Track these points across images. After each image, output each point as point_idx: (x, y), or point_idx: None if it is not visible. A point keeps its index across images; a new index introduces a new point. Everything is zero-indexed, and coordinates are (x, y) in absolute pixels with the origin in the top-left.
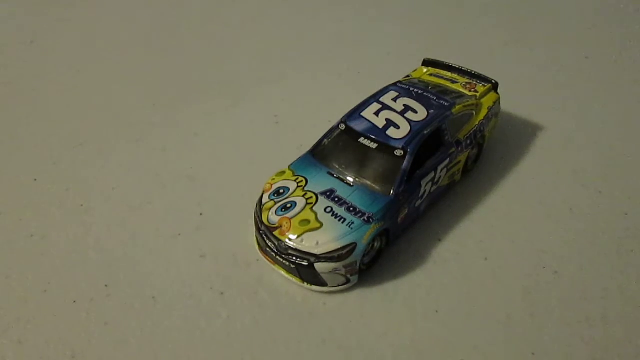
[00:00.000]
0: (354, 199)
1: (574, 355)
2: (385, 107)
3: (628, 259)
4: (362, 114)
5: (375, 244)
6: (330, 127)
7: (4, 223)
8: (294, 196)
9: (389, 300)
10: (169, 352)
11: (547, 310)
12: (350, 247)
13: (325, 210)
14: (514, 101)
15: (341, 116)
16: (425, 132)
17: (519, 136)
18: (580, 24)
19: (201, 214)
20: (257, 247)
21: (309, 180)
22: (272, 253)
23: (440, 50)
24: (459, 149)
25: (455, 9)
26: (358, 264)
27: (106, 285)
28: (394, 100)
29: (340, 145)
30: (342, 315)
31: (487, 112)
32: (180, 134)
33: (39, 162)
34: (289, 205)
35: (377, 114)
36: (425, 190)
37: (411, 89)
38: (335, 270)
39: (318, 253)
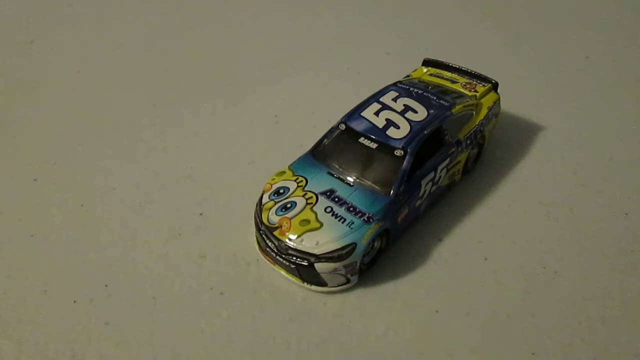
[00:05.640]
0: (354, 199)
1: (574, 355)
2: (385, 107)
3: (628, 259)
4: (362, 114)
5: (375, 244)
6: (330, 127)
7: (4, 223)
8: (294, 196)
9: (389, 300)
10: (169, 352)
11: (547, 310)
12: (350, 247)
13: (325, 210)
14: (514, 101)
15: (341, 116)
16: (425, 132)
17: (519, 136)
18: (580, 24)
19: (201, 214)
20: (257, 247)
21: (309, 180)
22: (272, 253)
23: (440, 50)
24: (459, 149)
25: (456, 9)
26: (358, 264)
27: (106, 285)
28: (394, 100)
29: (340, 145)
30: (342, 315)
31: (487, 112)
32: (180, 134)
33: (39, 162)
34: (289, 205)
35: (377, 114)
36: (425, 190)
37: (411, 89)
38: (335, 270)
39: (318, 253)
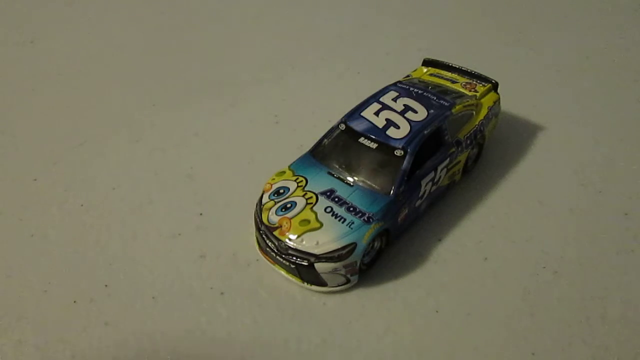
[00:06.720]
0: (354, 199)
1: (574, 355)
2: (385, 107)
3: (628, 259)
4: (362, 113)
5: (375, 244)
6: (330, 127)
7: (4, 223)
8: (294, 196)
9: (389, 300)
10: (169, 352)
11: (547, 310)
12: (350, 247)
13: (325, 210)
14: (514, 101)
15: (341, 116)
16: (425, 132)
17: (519, 136)
18: (580, 24)
19: (201, 214)
20: (257, 247)
21: (309, 180)
22: (272, 253)
23: (440, 50)
24: (459, 149)
25: (456, 9)
26: (358, 264)
27: (106, 285)
28: (394, 100)
29: (340, 145)
30: (342, 315)
31: (487, 112)
32: (180, 134)
33: (39, 162)
34: (289, 205)
35: (377, 114)
36: (425, 190)
37: (411, 89)
38: (335, 270)
39: (318, 253)
